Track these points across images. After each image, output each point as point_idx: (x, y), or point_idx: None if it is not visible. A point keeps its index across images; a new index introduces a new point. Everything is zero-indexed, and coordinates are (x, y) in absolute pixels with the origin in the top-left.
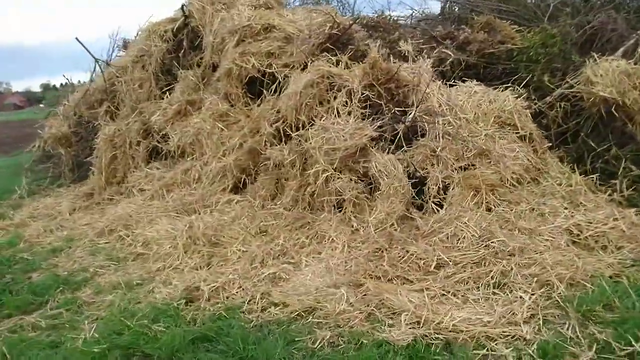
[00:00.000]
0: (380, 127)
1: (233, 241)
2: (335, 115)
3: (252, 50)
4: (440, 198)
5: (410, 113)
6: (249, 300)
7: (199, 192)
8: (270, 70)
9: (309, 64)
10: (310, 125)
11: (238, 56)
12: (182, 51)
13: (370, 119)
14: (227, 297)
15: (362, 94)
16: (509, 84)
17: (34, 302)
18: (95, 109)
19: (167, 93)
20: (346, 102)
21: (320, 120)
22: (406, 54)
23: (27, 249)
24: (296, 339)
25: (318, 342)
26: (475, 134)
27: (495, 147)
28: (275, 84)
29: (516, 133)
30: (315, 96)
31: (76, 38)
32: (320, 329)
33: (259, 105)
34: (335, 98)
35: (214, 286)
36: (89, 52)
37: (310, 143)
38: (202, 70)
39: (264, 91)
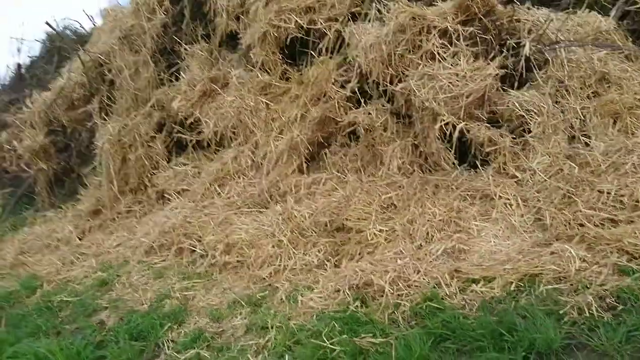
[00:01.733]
0: (502, 64)
1: (362, 223)
2: (439, 60)
3: (291, 7)
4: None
5: (524, 45)
6: (438, 284)
7: (265, 179)
8: (317, 27)
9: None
10: (403, 77)
11: (274, 15)
12: (185, 23)
13: (485, 58)
14: (410, 285)
15: (465, 30)
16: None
17: (145, 349)
18: (79, 109)
19: (174, 75)
20: (443, 44)
21: (420, 68)
22: None
23: (60, 289)
24: (560, 312)
25: (586, 309)
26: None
27: (610, 70)
28: (325, 42)
29: (620, 53)
30: (408, 42)
31: (46, 22)
32: (566, 294)
33: (301, 70)
34: (428, 41)
35: (390, 276)
36: (60, 37)
37: (421, 95)
38: (218, 41)
39: (312, 52)
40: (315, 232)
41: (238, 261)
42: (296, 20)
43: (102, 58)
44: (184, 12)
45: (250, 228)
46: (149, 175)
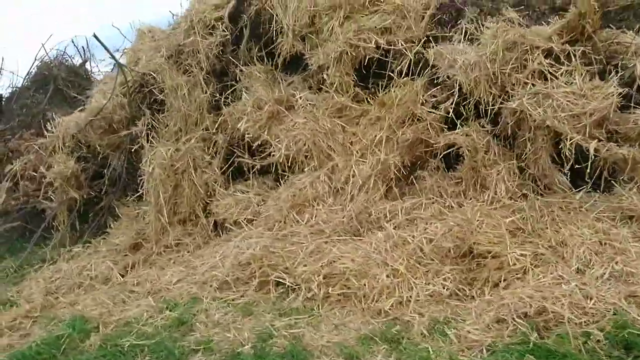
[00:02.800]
0: (622, 83)
1: (496, 247)
2: (549, 79)
3: (369, 26)
4: None
5: (632, 65)
6: (618, 310)
7: (351, 205)
8: (397, 48)
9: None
10: (508, 97)
11: (353, 35)
12: (243, 43)
13: (599, 77)
14: (587, 312)
15: (576, 50)
16: None
17: None
18: (117, 132)
19: (229, 97)
20: (551, 63)
21: (529, 87)
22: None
23: (123, 331)
24: None
25: None
26: None
27: None
28: (405, 63)
29: None
30: (515, 61)
31: (94, 35)
32: None
33: (374, 92)
34: (533, 60)
35: (562, 303)
36: (112, 56)
37: (538, 114)
38: (281, 62)
39: (390, 74)
40: (436, 260)
41: (342, 294)
42: (376, 40)
43: (148, 78)
44: (242, 32)
45: (354, 257)
46: (203, 203)
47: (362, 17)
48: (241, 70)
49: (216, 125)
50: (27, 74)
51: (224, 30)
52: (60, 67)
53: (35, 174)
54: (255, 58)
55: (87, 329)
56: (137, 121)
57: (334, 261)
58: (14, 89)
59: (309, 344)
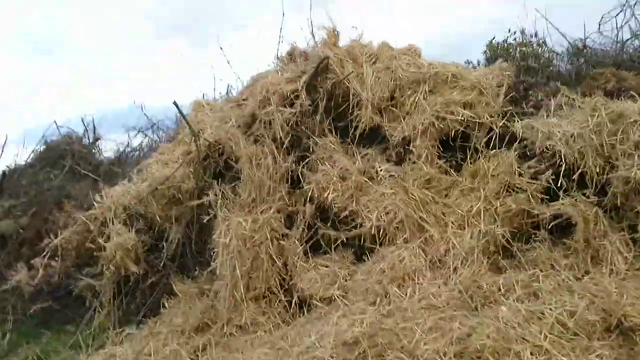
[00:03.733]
0: None
1: None
2: None
3: (455, 100)
4: None
5: None
6: None
7: (455, 278)
8: (481, 121)
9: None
10: (610, 169)
11: (440, 107)
12: (319, 114)
13: None
14: None
15: None
16: None
17: None
18: (184, 202)
19: (304, 168)
20: None
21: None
22: None
23: None
24: None
25: None
26: None
27: None
28: (489, 136)
29: None
30: (622, 132)
31: (174, 102)
32: None
33: (459, 164)
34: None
35: None
36: (189, 124)
37: None
38: (358, 134)
39: (478, 146)
40: (582, 334)
41: None
42: (463, 113)
43: (218, 147)
44: (316, 104)
45: (487, 332)
46: (280, 279)
47: (445, 92)
48: (315, 142)
49: (295, 196)
50: (33, 151)
51: (302, 103)
52: (72, 144)
53: (69, 248)
54: (329, 130)
55: None
56: (205, 191)
57: (463, 338)
58: (16, 166)
59: None
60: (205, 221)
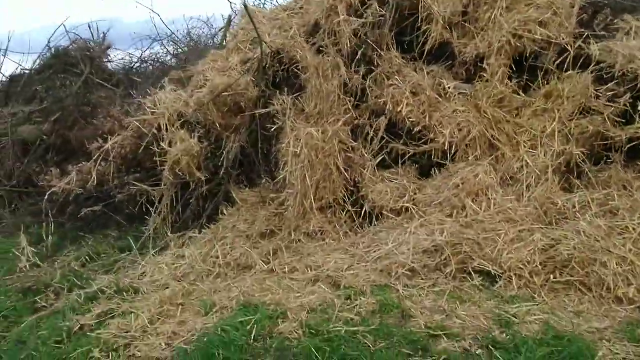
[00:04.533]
0: None
1: None
2: None
3: (532, 17)
4: None
5: None
6: None
7: (528, 194)
8: (556, 41)
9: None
10: None
11: (517, 25)
12: (386, 27)
13: None
14: None
15: None
16: None
17: None
18: (245, 111)
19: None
20: None
21: None
22: None
23: (315, 318)
24: None
25: None
26: None
27: None
28: (564, 57)
29: None
30: None
31: (244, 4)
32: None
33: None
34: None
35: None
36: (256, 28)
37: None
38: (427, 50)
39: (550, 67)
40: None
41: (567, 282)
42: (541, 31)
43: (280, 56)
44: (384, 17)
45: (572, 244)
46: (348, 190)
47: (521, 9)
48: (380, 56)
49: (360, 110)
50: (39, 55)
51: (373, 13)
52: (85, 51)
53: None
54: (394, 44)
55: (272, 314)
56: (269, 100)
57: (547, 249)
58: (22, 70)
59: (562, 330)
60: (269, 131)
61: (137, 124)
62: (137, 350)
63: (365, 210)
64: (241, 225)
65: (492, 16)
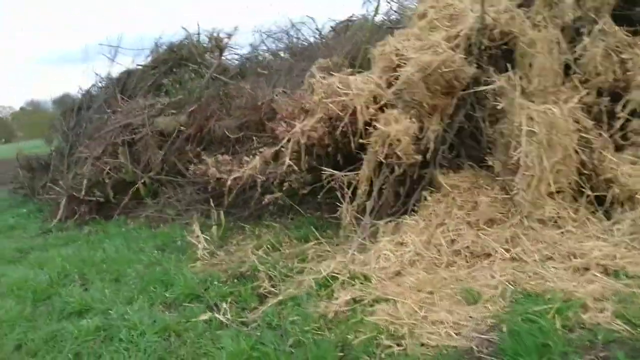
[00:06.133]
0: None
1: None
2: None
3: None
4: None
5: None
6: None
7: None
8: None
9: None
10: None
11: None
12: None
13: None
14: None
15: None
16: None
17: None
18: (457, 90)
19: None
20: None
21: None
22: None
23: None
24: None
25: None
26: None
27: None
28: None
29: None
30: None
31: None
32: None
33: None
34: None
35: None
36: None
37: None
38: None
39: None
40: None
41: None
42: None
43: (491, 31)
44: None
45: None
46: (585, 173)
47: None
48: (600, 29)
49: (587, 86)
50: (151, 52)
51: None
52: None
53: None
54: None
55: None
56: (487, 79)
57: None
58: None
59: None
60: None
61: (332, 106)
62: (427, 339)
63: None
64: (456, 211)
65: None
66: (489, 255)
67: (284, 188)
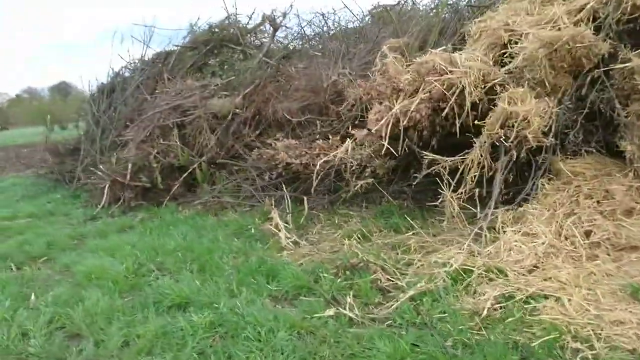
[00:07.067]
0: None
1: None
2: None
3: None
4: None
5: None
6: None
7: None
8: None
9: None
10: None
11: None
12: None
13: None
14: None
15: None
16: None
17: None
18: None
19: None
20: None
21: None
22: None
23: None
24: None
25: None
26: None
27: None
28: None
29: None
30: None
31: None
32: None
33: None
34: None
35: None
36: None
37: None
38: None
39: None
40: None
41: None
42: None
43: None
44: None
45: None
46: None
47: None
48: None
49: None
50: (189, 32)
51: None
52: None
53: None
54: None
55: None
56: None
57: None
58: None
59: None
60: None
61: (438, 85)
62: (614, 342)
63: None
64: (585, 200)
65: None
66: (635, 248)
67: (366, 174)
